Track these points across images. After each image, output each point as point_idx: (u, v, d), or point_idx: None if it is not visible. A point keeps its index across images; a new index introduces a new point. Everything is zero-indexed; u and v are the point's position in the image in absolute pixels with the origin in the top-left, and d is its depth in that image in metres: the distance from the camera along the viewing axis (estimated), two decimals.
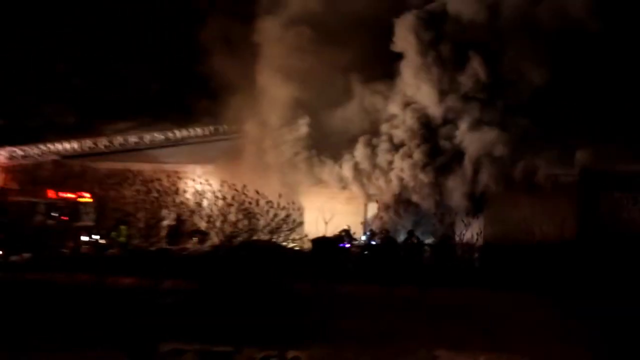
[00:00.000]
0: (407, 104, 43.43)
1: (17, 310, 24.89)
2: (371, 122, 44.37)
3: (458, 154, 42.34)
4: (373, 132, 43.93)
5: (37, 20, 54.60)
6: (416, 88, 43.29)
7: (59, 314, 24.78)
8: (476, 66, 42.17)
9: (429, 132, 42.86)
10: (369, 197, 44.12)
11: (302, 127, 44.95)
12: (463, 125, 42.44)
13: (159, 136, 46.53)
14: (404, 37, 42.98)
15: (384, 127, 43.63)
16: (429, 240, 42.15)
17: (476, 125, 42.48)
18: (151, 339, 23.54)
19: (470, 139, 42.15)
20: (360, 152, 43.25)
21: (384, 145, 42.86)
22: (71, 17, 55.00)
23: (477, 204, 42.45)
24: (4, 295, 25.91)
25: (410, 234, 42.01)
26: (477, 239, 41.02)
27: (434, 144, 42.69)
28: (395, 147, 42.78)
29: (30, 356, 22.89)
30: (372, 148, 43.12)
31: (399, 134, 43.15)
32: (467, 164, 41.95)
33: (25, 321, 24.38)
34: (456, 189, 42.19)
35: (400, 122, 43.38)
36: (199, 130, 47.08)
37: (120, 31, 54.42)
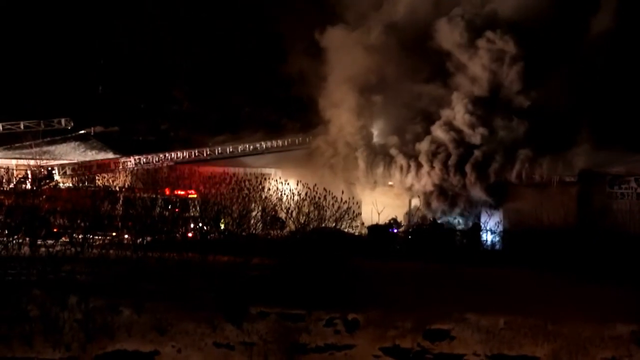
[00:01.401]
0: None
1: (143, 279, 25.05)
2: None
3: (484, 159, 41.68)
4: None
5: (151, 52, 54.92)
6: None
7: (172, 283, 24.87)
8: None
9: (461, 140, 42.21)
10: (412, 194, 43.59)
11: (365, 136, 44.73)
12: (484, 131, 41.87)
13: (248, 146, 46.56)
14: None
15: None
16: (460, 227, 41.65)
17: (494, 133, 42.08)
18: (242, 303, 23.52)
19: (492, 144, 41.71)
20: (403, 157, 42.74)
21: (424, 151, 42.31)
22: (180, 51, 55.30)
23: (497, 199, 41.89)
24: (134, 267, 26.11)
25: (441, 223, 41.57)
26: (497, 227, 40.52)
27: (464, 150, 41.97)
28: (433, 153, 42.14)
29: (153, 311, 23.09)
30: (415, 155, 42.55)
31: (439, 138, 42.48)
32: (492, 167, 41.38)
33: (148, 288, 24.54)
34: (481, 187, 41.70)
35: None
36: (279, 142, 47.05)
37: (220, 63, 54.55)
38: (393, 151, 43.33)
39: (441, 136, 42.37)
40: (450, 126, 42.44)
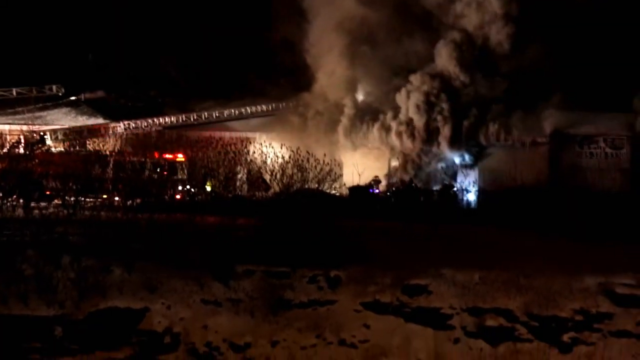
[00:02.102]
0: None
1: (133, 240, 25.00)
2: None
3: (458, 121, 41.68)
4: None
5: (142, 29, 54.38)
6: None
7: (161, 243, 24.84)
8: None
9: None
10: (392, 154, 43.59)
11: (347, 102, 44.46)
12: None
13: (234, 111, 46.41)
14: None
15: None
16: (436, 187, 41.75)
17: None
18: (229, 262, 23.52)
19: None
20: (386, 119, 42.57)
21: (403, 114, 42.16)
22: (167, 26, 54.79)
23: (473, 158, 41.99)
24: (124, 228, 26.03)
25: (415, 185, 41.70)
26: (473, 185, 40.67)
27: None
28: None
29: (143, 270, 23.08)
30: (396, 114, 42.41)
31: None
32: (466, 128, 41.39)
33: (138, 248, 24.50)
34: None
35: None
36: (264, 107, 46.91)
37: (203, 35, 54.16)
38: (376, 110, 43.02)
39: (422, 87, 42.00)
40: (431, 75, 42.13)
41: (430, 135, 40.93)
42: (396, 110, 42.21)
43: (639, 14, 43.55)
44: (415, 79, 42.15)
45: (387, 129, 41.94)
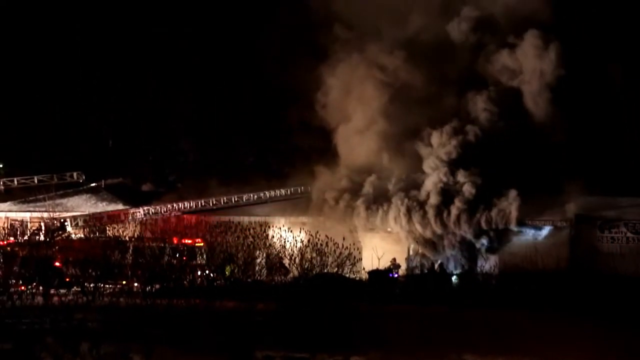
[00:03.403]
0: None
1: (152, 325, 24.99)
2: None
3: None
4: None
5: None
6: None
7: (180, 328, 24.81)
8: None
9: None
10: (410, 239, 43.39)
11: (366, 187, 44.48)
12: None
13: (253, 196, 46.75)
14: None
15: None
16: (457, 271, 41.49)
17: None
18: (248, 347, 23.40)
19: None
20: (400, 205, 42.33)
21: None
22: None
23: (493, 243, 41.77)
24: (143, 314, 26.05)
25: (441, 266, 41.43)
26: (494, 270, 40.40)
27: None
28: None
29: (162, 356, 22.97)
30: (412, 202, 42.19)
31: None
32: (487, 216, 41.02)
33: (157, 333, 24.46)
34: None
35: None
36: (283, 191, 47.25)
37: (225, 114, 55.13)
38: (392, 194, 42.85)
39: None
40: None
41: (446, 218, 40.78)
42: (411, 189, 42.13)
43: None
44: (436, 137, 42.20)
45: (401, 213, 41.77)
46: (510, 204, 40.61)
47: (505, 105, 42.30)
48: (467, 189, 40.79)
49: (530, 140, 41.53)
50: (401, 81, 44.02)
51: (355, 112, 44.59)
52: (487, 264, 40.94)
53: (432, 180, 41.92)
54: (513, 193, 40.77)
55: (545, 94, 41.80)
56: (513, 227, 40.83)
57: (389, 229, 43.12)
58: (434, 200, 41.04)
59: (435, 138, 42.34)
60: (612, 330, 26.70)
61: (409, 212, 41.52)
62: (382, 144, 44.10)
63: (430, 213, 40.88)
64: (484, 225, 40.87)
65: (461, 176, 41.33)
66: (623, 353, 23.49)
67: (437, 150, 42.05)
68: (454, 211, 40.68)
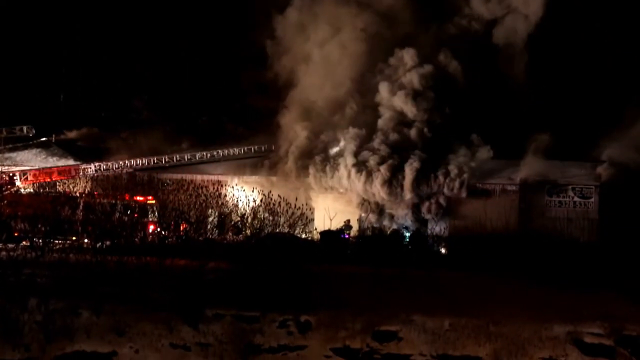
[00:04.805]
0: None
1: (102, 282, 24.84)
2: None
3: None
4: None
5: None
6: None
7: (131, 286, 24.70)
8: None
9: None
10: (363, 200, 43.43)
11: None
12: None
13: (206, 154, 46.31)
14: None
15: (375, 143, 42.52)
16: (407, 233, 41.77)
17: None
18: (199, 305, 23.44)
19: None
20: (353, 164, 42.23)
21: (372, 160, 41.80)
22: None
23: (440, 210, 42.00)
24: (94, 271, 25.84)
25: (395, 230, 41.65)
26: (443, 232, 40.84)
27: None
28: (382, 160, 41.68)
29: (112, 313, 22.89)
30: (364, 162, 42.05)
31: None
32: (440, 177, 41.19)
33: (107, 291, 24.34)
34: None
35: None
36: (236, 150, 46.89)
37: (177, 75, 54.50)
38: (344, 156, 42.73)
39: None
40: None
41: (393, 181, 40.75)
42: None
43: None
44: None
45: (350, 173, 41.66)
46: (462, 170, 40.73)
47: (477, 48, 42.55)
48: (417, 154, 40.97)
49: (495, 89, 41.68)
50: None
51: (312, 52, 44.11)
52: (437, 226, 41.32)
53: (385, 118, 41.86)
54: (463, 154, 41.14)
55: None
56: (463, 194, 41.01)
57: (341, 190, 43.11)
58: (384, 170, 40.82)
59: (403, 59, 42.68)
60: (553, 291, 27.34)
61: (359, 173, 41.31)
62: (344, 84, 43.87)
63: (379, 179, 40.81)
64: (433, 189, 40.99)
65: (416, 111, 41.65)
66: (563, 313, 24.09)
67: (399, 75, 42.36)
68: (405, 177, 40.69)
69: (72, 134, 49.87)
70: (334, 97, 44.06)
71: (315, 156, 43.28)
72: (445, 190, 40.83)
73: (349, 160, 41.81)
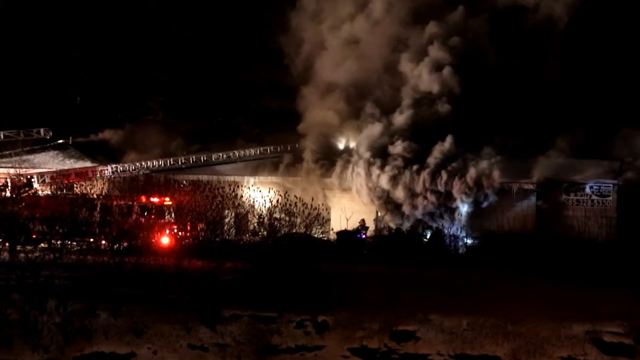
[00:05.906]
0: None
1: (120, 283, 24.98)
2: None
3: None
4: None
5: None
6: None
7: (148, 287, 24.82)
8: None
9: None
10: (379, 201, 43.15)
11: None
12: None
13: (222, 155, 46.38)
14: None
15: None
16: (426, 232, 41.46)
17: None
18: (216, 306, 23.49)
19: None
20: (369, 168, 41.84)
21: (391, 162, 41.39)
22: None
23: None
24: (111, 272, 26.01)
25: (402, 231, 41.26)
26: (460, 232, 40.62)
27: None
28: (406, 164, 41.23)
29: (129, 314, 23.00)
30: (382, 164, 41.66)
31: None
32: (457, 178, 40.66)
33: (124, 292, 24.46)
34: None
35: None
36: (252, 151, 46.92)
37: (193, 76, 54.67)
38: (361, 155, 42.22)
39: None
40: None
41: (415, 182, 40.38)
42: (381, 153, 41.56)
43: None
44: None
45: (371, 175, 41.19)
46: (492, 165, 39.80)
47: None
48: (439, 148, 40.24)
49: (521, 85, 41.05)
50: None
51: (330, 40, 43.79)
52: (455, 226, 41.10)
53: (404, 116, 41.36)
54: (490, 153, 40.31)
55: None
56: (492, 190, 40.25)
57: (359, 189, 42.89)
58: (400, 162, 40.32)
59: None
60: (571, 290, 27.24)
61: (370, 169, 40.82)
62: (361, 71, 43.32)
63: (404, 178, 40.36)
64: (462, 188, 40.25)
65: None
66: (582, 311, 23.97)
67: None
68: (423, 175, 40.12)
69: (89, 136, 50.13)
70: (361, 80, 43.61)
71: (339, 156, 43.02)
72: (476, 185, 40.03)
73: (367, 156, 41.38)
